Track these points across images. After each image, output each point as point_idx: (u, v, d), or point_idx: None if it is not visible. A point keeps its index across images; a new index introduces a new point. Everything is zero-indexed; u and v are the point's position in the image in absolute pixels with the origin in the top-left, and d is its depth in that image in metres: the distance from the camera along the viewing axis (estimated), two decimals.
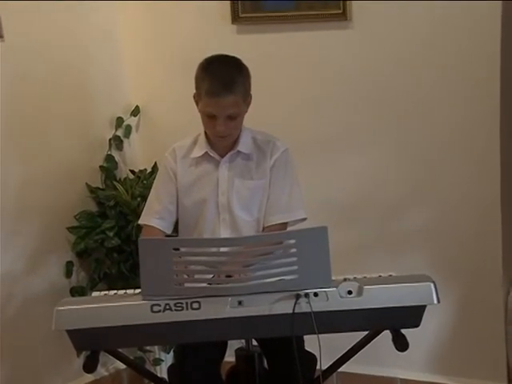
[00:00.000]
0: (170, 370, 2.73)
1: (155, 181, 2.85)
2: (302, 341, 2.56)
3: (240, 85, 2.60)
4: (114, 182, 3.64)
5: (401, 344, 2.24)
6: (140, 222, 2.82)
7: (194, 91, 2.67)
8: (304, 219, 2.73)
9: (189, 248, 2.28)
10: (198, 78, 2.64)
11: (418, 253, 3.39)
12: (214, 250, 2.31)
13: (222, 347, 2.66)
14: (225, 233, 2.71)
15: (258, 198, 2.72)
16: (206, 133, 2.73)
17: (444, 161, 3.33)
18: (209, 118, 2.62)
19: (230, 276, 2.23)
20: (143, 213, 2.81)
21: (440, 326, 3.41)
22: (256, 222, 2.72)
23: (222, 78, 2.58)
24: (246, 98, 2.65)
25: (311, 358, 2.50)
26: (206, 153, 2.72)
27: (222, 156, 2.72)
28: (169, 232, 2.77)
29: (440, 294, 2.19)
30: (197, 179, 2.74)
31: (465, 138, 3.27)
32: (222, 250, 2.30)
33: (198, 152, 2.74)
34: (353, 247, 3.45)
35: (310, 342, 2.49)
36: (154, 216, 2.74)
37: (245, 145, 2.72)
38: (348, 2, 3.29)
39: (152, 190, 2.82)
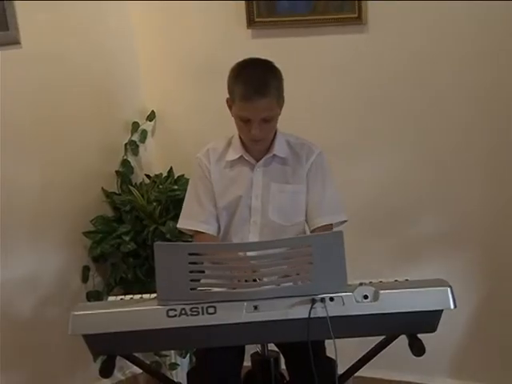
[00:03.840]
0: (190, 374, 2.71)
1: (191, 183, 2.82)
2: (324, 347, 2.55)
3: (273, 88, 2.60)
4: (130, 187, 3.64)
5: (417, 349, 2.23)
6: (182, 226, 2.79)
7: (227, 96, 2.66)
8: (345, 221, 2.74)
9: (204, 253, 2.28)
10: (231, 82, 2.64)
11: (435, 257, 3.38)
12: (229, 255, 2.31)
13: (241, 352, 2.66)
14: (253, 236, 2.71)
15: (296, 202, 2.72)
16: (239, 135, 2.72)
17: (459, 165, 3.32)
18: (243, 122, 2.62)
19: (246, 281, 2.22)
20: (183, 216, 2.78)
21: (457, 330, 3.40)
22: (293, 226, 2.72)
23: (256, 82, 2.57)
24: (280, 100, 2.65)
25: (332, 364, 2.49)
26: (241, 156, 2.72)
27: (257, 159, 2.72)
28: (217, 235, 2.76)
29: (457, 298, 2.18)
30: (231, 182, 2.74)
31: (480, 141, 3.26)
32: (240, 254, 2.30)
33: (232, 155, 2.73)
34: (369, 252, 3.45)
35: (327, 347, 2.50)
36: (200, 220, 2.73)
37: (280, 148, 2.72)
38: (363, 5, 3.28)
39: (190, 193, 2.79)
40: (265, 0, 3.46)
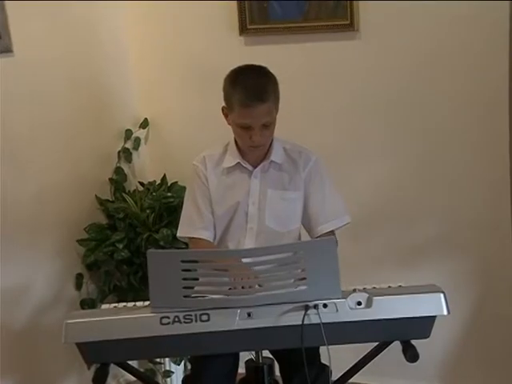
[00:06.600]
0: (185, 381, 2.71)
1: (189, 191, 2.81)
2: (318, 354, 2.55)
3: (271, 92, 2.60)
4: (124, 195, 3.64)
5: (411, 355, 2.23)
6: (182, 234, 2.78)
7: (221, 103, 2.66)
8: (348, 223, 2.74)
9: (197, 260, 2.28)
10: (228, 90, 2.63)
11: (428, 263, 3.38)
12: (221, 261, 2.31)
13: (235, 359, 2.65)
14: (249, 242, 2.70)
15: (293, 209, 2.72)
16: (236, 142, 2.72)
17: (457, 172, 3.32)
18: (243, 129, 2.61)
19: (242, 287, 2.21)
20: (182, 224, 2.77)
21: (450, 336, 3.40)
22: (289, 233, 2.72)
23: (254, 88, 2.57)
24: (277, 104, 2.65)
25: (326, 371, 2.49)
26: (238, 163, 2.72)
27: (254, 166, 2.72)
28: (213, 241, 2.75)
29: (450, 304, 2.18)
30: (228, 188, 2.73)
31: (477, 148, 3.26)
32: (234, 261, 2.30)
33: (229, 162, 2.73)
34: (364, 259, 3.45)
35: (321, 353, 2.49)
36: (199, 227, 2.72)
37: (277, 154, 2.72)
38: (355, 12, 3.29)
39: (188, 201, 2.78)
40: (257, 0, 3.46)
